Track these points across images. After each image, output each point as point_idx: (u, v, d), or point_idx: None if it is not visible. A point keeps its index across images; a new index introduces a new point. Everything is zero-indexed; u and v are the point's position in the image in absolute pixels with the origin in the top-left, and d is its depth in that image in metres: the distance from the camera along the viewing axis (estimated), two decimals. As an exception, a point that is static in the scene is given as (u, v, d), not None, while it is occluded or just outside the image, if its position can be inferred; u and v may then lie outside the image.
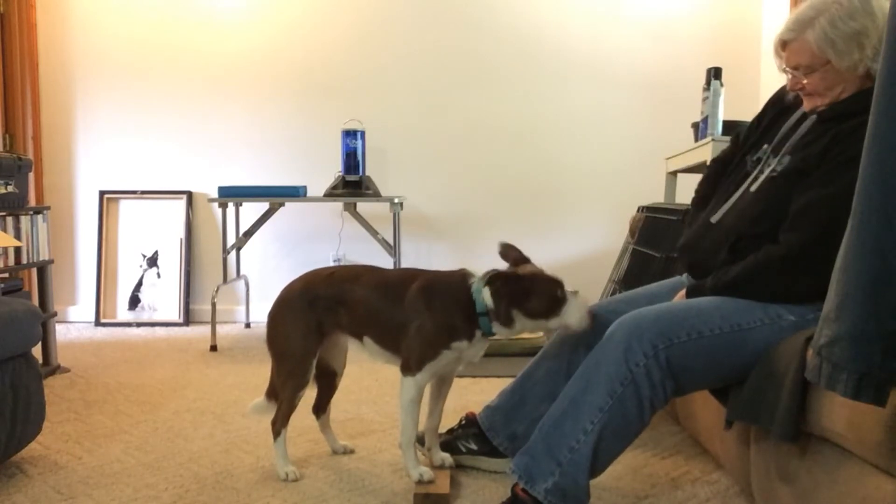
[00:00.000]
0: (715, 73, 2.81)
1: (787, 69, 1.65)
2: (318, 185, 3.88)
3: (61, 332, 3.74)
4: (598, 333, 1.60)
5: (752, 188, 1.65)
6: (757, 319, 1.52)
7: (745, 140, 1.84)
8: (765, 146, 1.70)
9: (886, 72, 0.97)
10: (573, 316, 1.67)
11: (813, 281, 1.49)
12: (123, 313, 4.13)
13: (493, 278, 1.67)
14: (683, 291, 1.69)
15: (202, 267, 4.21)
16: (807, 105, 1.66)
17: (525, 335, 3.20)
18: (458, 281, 1.74)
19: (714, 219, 1.72)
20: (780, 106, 1.80)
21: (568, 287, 1.69)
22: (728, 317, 1.53)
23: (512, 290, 1.66)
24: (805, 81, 1.61)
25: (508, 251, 1.78)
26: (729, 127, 2.72)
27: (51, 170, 4.19)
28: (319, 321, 1.80)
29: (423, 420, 1.84)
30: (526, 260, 1.76)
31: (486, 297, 1.68)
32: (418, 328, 1.70)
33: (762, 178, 1.64)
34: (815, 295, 1.50)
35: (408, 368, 1.73)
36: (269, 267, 4.20)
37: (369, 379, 2.84)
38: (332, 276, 1.84)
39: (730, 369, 1.54)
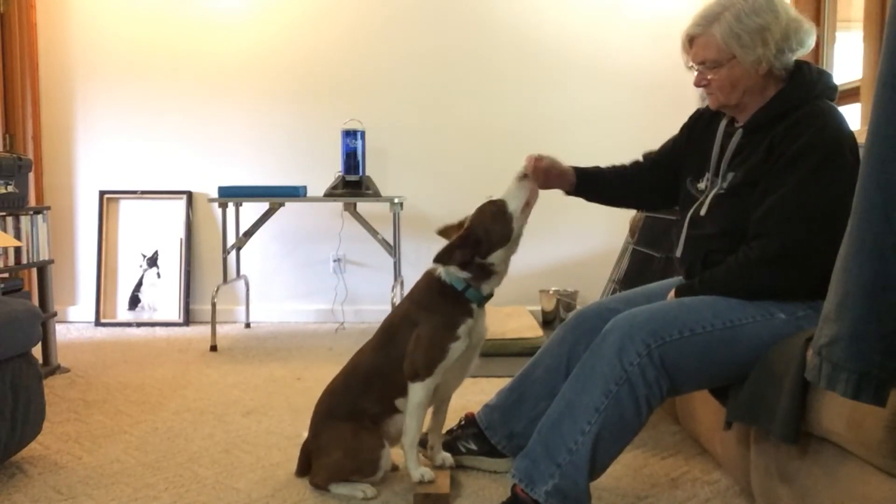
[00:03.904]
0: (715, 73, 2.80)
1: (694, 65, 1.67)
2: (318, 185, 3.88)
3: (61, 332, 3.74)
4: (597, 332, 1.60)
5: (702, 212, 1.68)
6: (749, 316, 1.53)
7: (674, 162, 1.88)
8: (707, 174, 1.73)
9: (886, 72, 0.97)
10: (514, 197, 1.78)
11: (794, 278, 1.51)
12: (123, 313, 4.13)
13: (442, 255, 1.71)
14: (673, 291, 1.69)
15: (202, 267, 4.21)
16: (711, 103, 1.70)
17: (526, 335, 3.21)
18: (428, 280, 1.79)
19: (678, 253, 1.77)
20: (700, 126, 1.83)
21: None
22: (720, 314, 1.53)
23: (469, 247, 1.71)
24: (710, 77, 1.64)
25: (447, 232, 1.84)
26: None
27: (51, 170, 4.19)
28: (361, 422, 1.76)
29: (428, 417, 1.84)
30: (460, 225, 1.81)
31: (455, 273, 1.73)
32: (417, 336, 1.72)
33: (709, 198, 1.67)
34: (801, 292, 1.52)
35: (416, 376, 1.73)
36: (269, 267, 4.20)
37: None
38: (337, 381, 1.84)
39: (724, 366, 1.54)
